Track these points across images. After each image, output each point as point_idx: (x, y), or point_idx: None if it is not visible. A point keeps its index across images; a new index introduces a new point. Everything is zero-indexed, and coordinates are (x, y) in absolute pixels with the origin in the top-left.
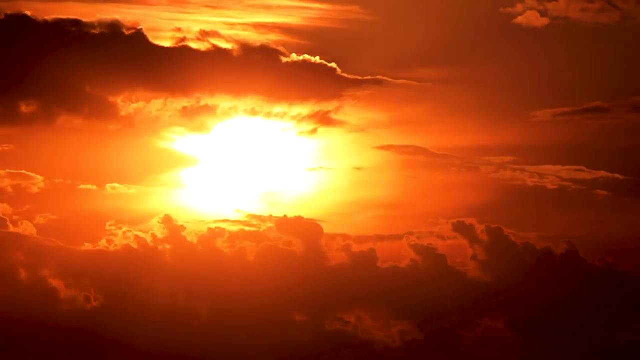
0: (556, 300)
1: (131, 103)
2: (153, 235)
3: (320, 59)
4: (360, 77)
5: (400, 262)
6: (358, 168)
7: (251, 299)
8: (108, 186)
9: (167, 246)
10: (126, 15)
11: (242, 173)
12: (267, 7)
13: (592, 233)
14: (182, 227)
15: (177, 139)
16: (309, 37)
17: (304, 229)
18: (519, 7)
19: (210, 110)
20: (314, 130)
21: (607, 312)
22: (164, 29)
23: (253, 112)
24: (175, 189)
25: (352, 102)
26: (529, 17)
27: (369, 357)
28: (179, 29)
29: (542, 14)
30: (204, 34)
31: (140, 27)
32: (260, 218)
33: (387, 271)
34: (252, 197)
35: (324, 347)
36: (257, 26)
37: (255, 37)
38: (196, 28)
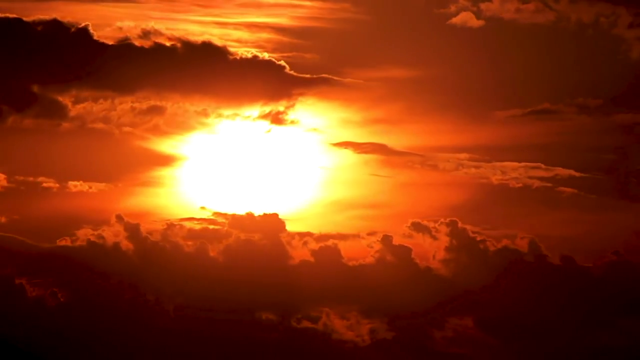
0: (521, 299)
1: (79, 103)
2: (112, 233)
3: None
4: (310, 76)
5: (366, 260)
6: (318, 166)
7: (217, 296)
8: (71, 184)
9: (128, 244)
10: (103, 12)
11: (210, 172)
12: (258, 6)
13: (558, 231)
14: (137, 225)
15: (145, 138)
16: (300, 35)
17: (267, 226)
18: (453, 8)
19: (159, 110)
20: (268, 130)
21: (573, 311)
22: (158, 28)
23: (205, 113)
24: (141, 188)
25: (303, 100)
26: (464, 18)
27: (339, 357)
28: (120, 28)
29: (477, 14)
30: (145, 32)
31: (85, 24)
32: (225, 216)
33: (352, 269)
34: (219, 196)
35: (293, 345)
36: (250, 26)
37: (247, 37)
38: (149, 26)
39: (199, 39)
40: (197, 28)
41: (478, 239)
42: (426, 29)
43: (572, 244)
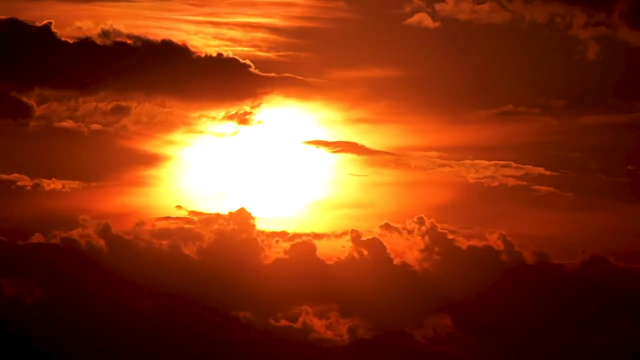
0: (498, 298)
1: (43, 103)
2: (86, 231)
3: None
4: (275, 75)
5: (341, 259)
6: (291, 166)
7: (192, 294)
8: (44, 182)
9: (100, 242)
10: (96, 11)
11: (185, 172)
12: (253, 5)
13: (534, 229)
14: (109, 224)
15: (116, 137)
16: (294, 35)
17: (241, 226)
18: (408, 8)
19: (124, 110)
20: (235, 132)
21: (551, 310)
22: (150, 27)
23: (171, 113)
24: (115, 187)
25: (268, 99)
26: (420, 19)
27: (317, 356)
28: (79, 27)
29: (432, 15)
30: (105, 32)
31: (47, 22)
32: (200, 215)
33: (328, 267)
34: (195, 196)
35: (270, 344)
36: (244, 25)
37: (240, 36)
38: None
39: (159, 37)
40: (191, 27)
41: (453, 237)
42: (383, 29)
43: (548, 242)
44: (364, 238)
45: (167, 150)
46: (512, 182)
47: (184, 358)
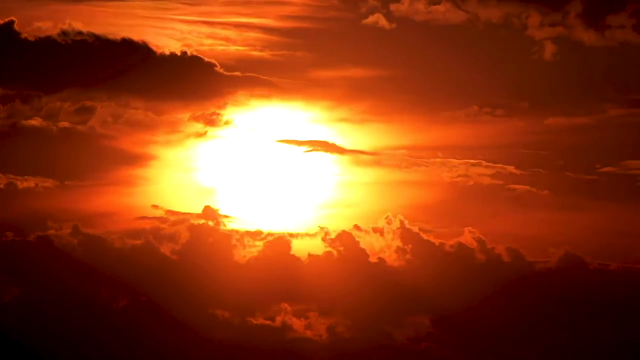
0: (474, 296)
1: (6, 103)
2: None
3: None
4: (240, 74)
5: (316, 258)
6: (263, 165)
7: (168, 293)
8: (17, 181)
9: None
10: (87, 11)
11: (161, 172)
12: (246, 4)
13: (509, 227)
14: (79, 224)
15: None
16: (288, 34)
17: (216, 225)
18: (364, 9)
19: (89, 109)
20: (203, 133)
21: (528, 308)
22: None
23: (137, 114)
24: (89, 186)
25: (233, 99)
26: (377, 19)
27: (297, 355)
28: (39, 27)
29: (387, 16)
30: (64, 31)
31: (9, 20)
32: (176, 214)
33: (304, 266)
34: (171, 195)
35: (249, 344)
36: (238, 25)
37: (235, 36)
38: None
39: (118, 36)
40: (184, 27)
41: (428, 236)
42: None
43: (524, 240)
44: (338, 236)
45: (141, 150)
46: (487, 180)
47: (159, 354)
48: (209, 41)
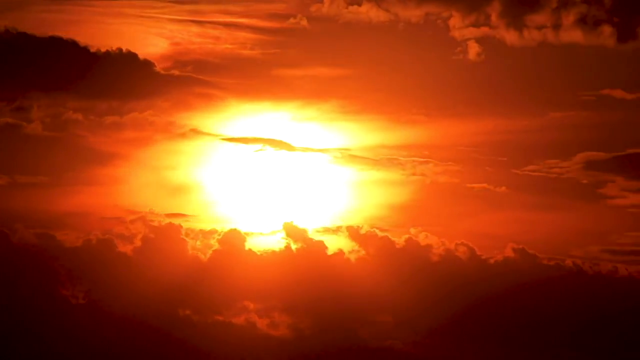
0: (432, 293)
1: None
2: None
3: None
4: (178, 73)
5: (276, 256)
6: (217, 165)
7: (127, 293)
8: None
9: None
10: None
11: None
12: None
13: (466, 225)
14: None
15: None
16: (280, 32)
17: (172, 225)
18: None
19: (27, 109)
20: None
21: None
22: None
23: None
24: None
25: (170, 99)
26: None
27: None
28: None
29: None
30: None
31: None
32: (134, 214)
33: (265, 265)
34: (130, 195)
35: (212, 341)
36: (228, 24)
37: (225, 35)
38: None
39: (47, 33)
40: (174, 26)
41: (383, 236)
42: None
43: (479, 238)
44: (296, 234)
45: (108, 149)
46: (442, 179)
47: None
48: (198, 39)
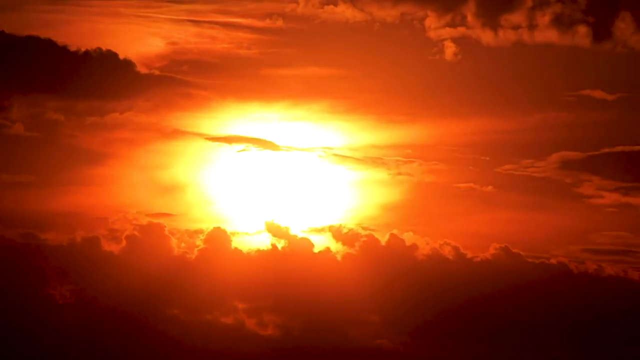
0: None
1: None
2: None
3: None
4: (159, 73)
5: (264, 256)
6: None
7: (115, 292)
8: None
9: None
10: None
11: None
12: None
13: (453, 224)
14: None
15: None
16: (278, 32)
17: (156, 224)
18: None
19: (6, 109)
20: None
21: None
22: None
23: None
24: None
25: (151, 99)
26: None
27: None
28: None
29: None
30: None
31: None
32: (118, 213)
33: (251, 261)
34: (115, 195)
35: (202, 340)
36: (225, 24)
37: (222, 35)
38: None
39: (23, 32)
40: (171, 26)
41: (368, 235)
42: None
43: (466, 237)
44: (283, 233)
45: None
46: (428, 178)
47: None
48: (195, 39)
